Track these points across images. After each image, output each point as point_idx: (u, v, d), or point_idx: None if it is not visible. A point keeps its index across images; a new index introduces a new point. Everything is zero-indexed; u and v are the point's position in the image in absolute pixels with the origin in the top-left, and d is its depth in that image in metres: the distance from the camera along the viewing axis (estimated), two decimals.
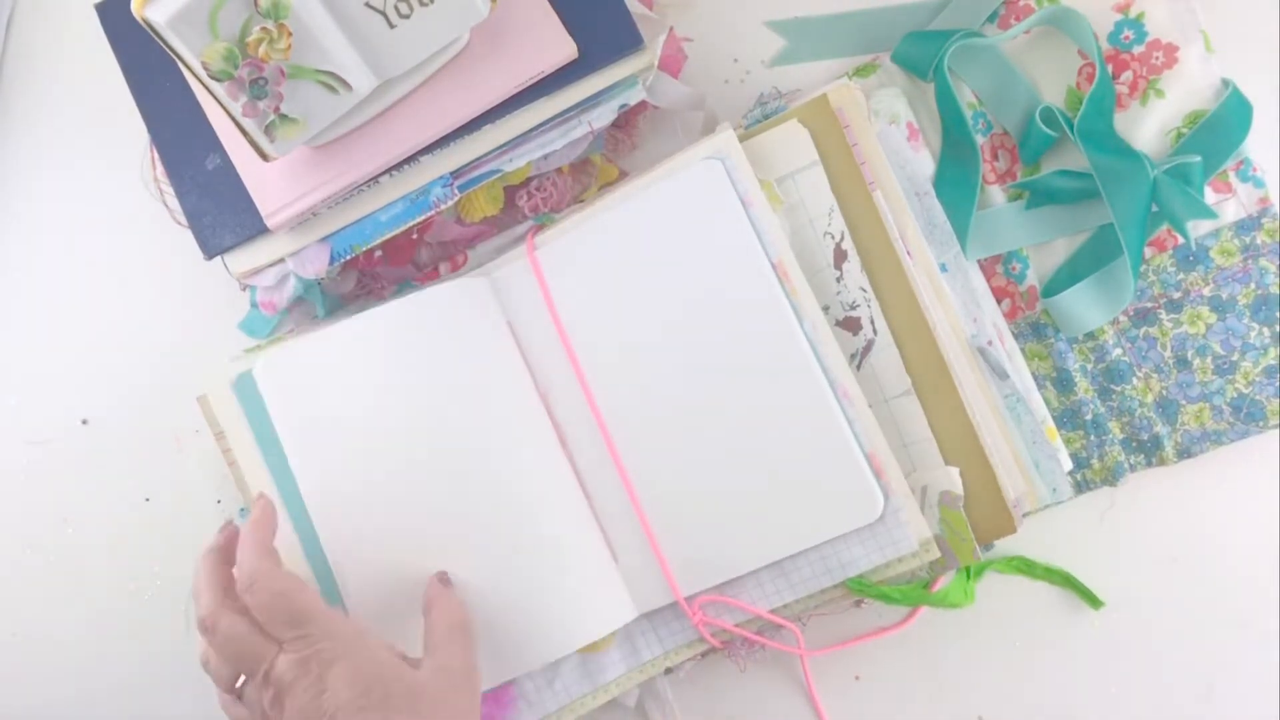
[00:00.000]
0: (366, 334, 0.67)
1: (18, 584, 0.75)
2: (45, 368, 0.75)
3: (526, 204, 0.70)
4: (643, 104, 0.67)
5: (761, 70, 0.71)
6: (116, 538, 0.74)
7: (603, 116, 0.66)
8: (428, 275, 0.71)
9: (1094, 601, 0.69)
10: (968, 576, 0.67)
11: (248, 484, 0.68)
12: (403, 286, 0.71)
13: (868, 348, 0.65)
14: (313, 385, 0.67)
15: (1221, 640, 0.68)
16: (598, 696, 0.69)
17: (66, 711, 0.75)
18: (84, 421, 0.75)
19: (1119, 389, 0.68)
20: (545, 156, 0.67)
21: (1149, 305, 0.67)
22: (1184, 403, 0.67)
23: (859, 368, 0.65)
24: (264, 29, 0.56)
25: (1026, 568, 0.69)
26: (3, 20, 0.74)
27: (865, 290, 0.64)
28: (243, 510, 0.73)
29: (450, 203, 0.66)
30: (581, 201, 0.71)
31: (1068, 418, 0.68)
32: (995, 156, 0.68)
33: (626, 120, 0.70)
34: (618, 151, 0.72)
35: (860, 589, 0.65)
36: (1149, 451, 0.68)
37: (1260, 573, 0.68)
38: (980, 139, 0.67)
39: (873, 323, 0.64)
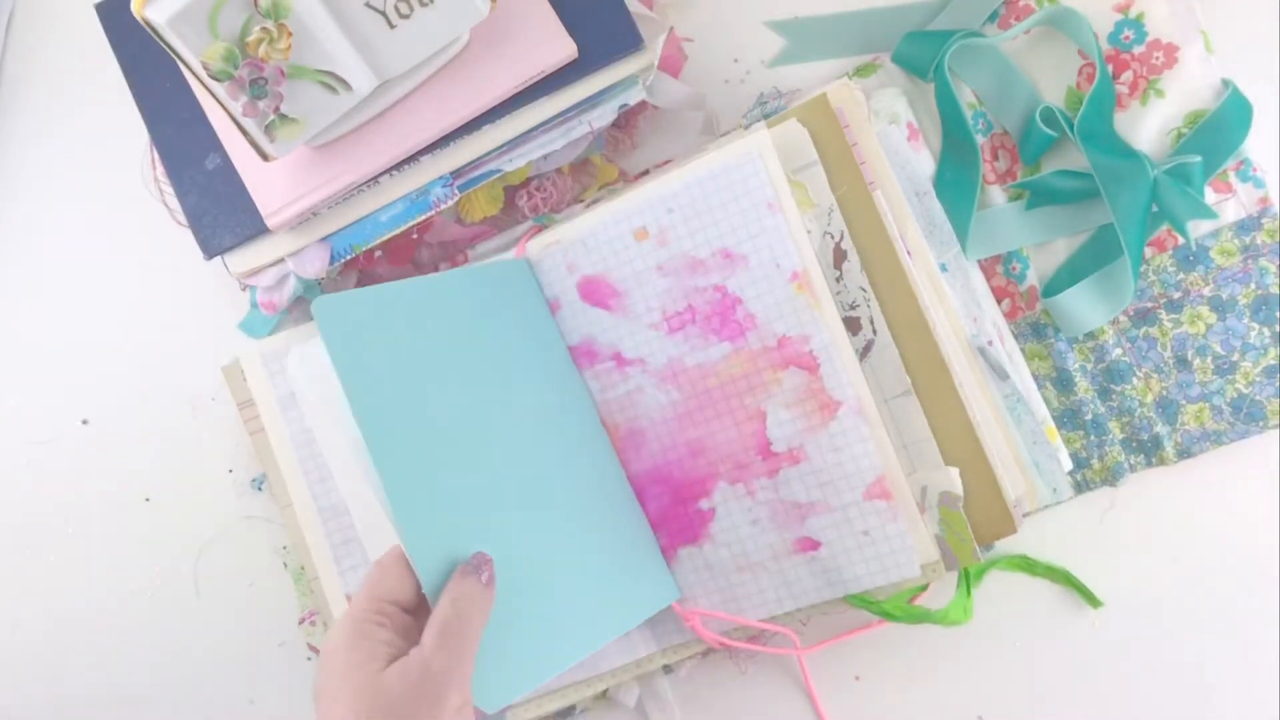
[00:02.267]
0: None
1: (18, 584, 0.75)
2: (45, 368, 0.75)
3: (526, 204, 0.70)
4: (643, 104, 0.67)
5: (761, 70, 0.71)
6: (116, 538, 0.75)
7: (603, 116, 0.66)
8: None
9: (1093, 601, 0.69)
10: (967, 593, 0.67)
11: (273, 452, 0.70)
12: None
13: (867, 347, 0.64)
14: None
15: (1221, 640, 0.68)
16: (592, 685, 0.70)
17: (67, 710, 0.75)
18: (84, 421, 0.75)
19: (1119, 389, 0.68)
20: (545, 156, 0.67)
21: (1149, 305, 0.67)
22: (1184, 403, 0.67)
23: None
24: (264, 29, 0.56)
25: (1027, 566, 0.69)
26: (3, 20, 0.74)
27: (865, 290, 0.64)
28: (254, 480, 0.73)
29: (450, 203, 0.66)
30: (581, 201, 0.71)
31: (1068, 418, 0.68)
32: (995, 156, 0.68)
33: (627, 120, 0.70)
34: (618, 151, 0.72)
35: (862, 604, 0.65)
36: (1149, 451, 0.68)
37: (1260, 573, 0.68)
38: (980, 139, 0.67)
39: (872, 322, 0.64)
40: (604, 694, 0.72)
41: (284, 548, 0.73)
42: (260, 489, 0.74)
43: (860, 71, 0.68)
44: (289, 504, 0.71)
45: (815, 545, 0.65)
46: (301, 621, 0.72)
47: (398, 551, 0.55)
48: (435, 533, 0.57)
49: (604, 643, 0.65)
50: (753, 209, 0.64)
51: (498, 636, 0.60)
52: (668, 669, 0.71)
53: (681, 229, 0.65)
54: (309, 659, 0.74)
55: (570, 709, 0.72)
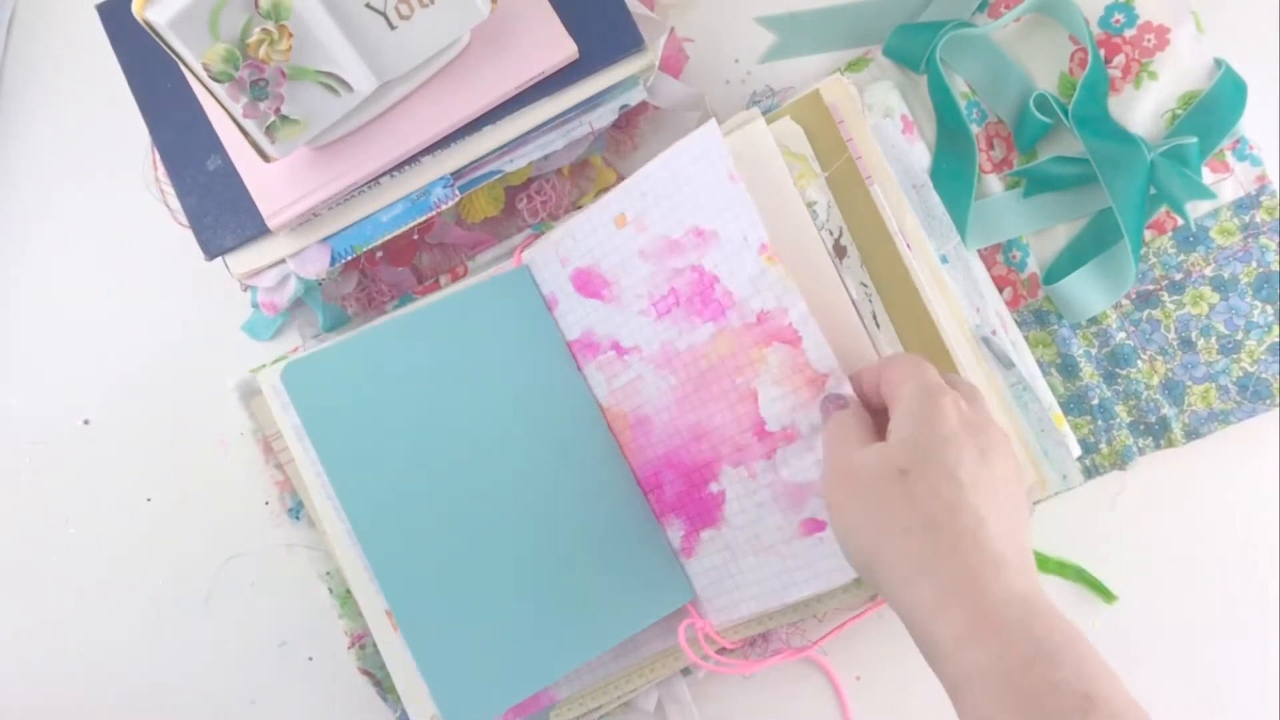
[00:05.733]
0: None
1: (18, 584, 0.74)
2: (46, 368, 0.74)
3: (526, 207, 0.70)
4: (644, 104, 0.67)
5: (762, 70, 0.71)
6: (117, 538, 0.74)
7: (604, 117, 0.66)
8: (427, 289, 0.71)
9: (1107, 596, 0.68)
10: None
11: (301, 476, 0.69)
12: (404, 300, 0.71)
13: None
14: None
15: (1226, 637, 0.68)
16: (618, 685, 0.69)
17: (67, 711, 0.74)
18: (85, 421, 0.74)
19: (1124, 372, 0.68)
20: (546, 157, 0.67)
21: (1151, 288, 0.67)
22: (1190, 384, 0.67)
23: None
24: (265, 30, 0.57)
25: (1037, 562, 0.69)
26: (4, 21, 0.74)
27: (866, 285, 0.64)
28: (291, 510, 0.72)
29: (451, 203, 0.66)
30: (579, 207, 0.71)
31: (1074, 403, 0.68)
32: (991, 145, 0.68)
33: (628, 121, 0.71)
34: (619, 152, 0.72)
35: None
36: (1157, 434, 0.68)
37: (1272, 556, 0.67)
38: (975, 129, 0.68)
39: (875, 317, 0.64)
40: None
41: (327, 573, 0.72)
42: (298, 518, 0.73)
43: (852, 66, 0.69)
44: (324, 530, 0.69)
45: (821, 526, 0.63)
46: (351, 645, 0.71)
47: None
48: (405, 562, 0.63)
49: (598, 652, 0.66)
50: (715, 182, 0.62)
51: (469, 657, 0.64)
52: (686, 671, 0.70)
53: (655, 211, 0.64)
54: (310, 659, 0.74)
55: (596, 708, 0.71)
